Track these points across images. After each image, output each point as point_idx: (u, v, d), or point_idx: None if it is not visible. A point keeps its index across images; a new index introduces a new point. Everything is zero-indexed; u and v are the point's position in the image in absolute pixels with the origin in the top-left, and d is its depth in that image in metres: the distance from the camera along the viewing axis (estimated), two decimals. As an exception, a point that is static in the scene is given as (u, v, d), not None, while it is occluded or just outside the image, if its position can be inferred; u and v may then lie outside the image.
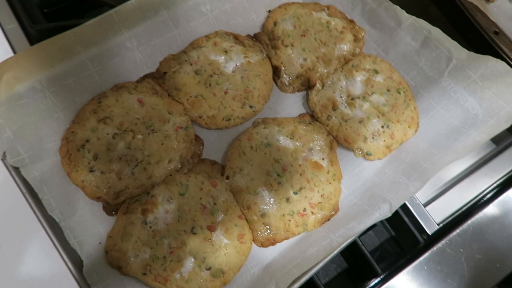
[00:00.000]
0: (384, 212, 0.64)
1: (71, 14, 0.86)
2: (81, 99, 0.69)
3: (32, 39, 0.76)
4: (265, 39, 0.79)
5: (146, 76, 0.73)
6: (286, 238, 0.65)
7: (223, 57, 0.74)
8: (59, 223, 0.61)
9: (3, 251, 0.62)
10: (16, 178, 0.61)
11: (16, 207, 0.63)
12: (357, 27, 0.81)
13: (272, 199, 0.66)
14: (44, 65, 0.65)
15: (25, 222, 0.63)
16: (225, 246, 0.62)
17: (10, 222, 0.63)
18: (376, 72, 0.76)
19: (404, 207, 0.72)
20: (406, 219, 0.71)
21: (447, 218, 0.74)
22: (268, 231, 0.65)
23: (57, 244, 0.59)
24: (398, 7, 0.79)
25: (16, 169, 0.62)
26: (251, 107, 0.73)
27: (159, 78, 0.73)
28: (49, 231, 0.60)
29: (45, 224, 0.60)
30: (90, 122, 0.66)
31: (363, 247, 0.68)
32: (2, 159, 0.62)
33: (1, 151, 0.61)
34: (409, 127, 0.74)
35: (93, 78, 0.69)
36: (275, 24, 0.80)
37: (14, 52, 0.75)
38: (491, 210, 0.73)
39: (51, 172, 0.64)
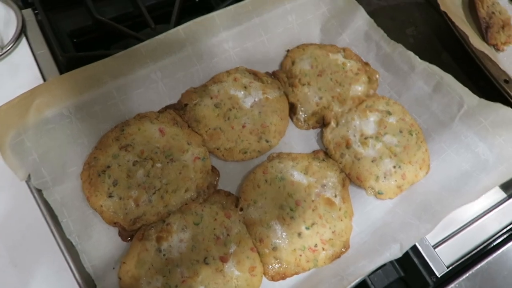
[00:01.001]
0: (394, 252, 0.64)
1: (98, 44, 0.91)
2: (105, 126, 0.71)
3: (61, 66, 0.80)
4: (283, 77, 0.82)
5: (168, 107, 0.76)
6: (297, 273, 0.66)
7: (242, 92, 0.78)
8: (76, 246, 0.62)
9: (18, 270, 0.64)
10: (38, 200, 0.64)
11: (35, 228, 0.65)
12: (371, 69, 0.84)
13: (284, 233, 0.67)
14: (73, 92, 0.69)
15: (43, 243, 0.64)
16: (236, 278, 0.63)
17: (28, 242, 0.65)
18: (389, 113, 0.79)
19: (413, 247, 0.73)
20: (415, 260, 0.71)
21: (457, 261, 0.74)
22: (279, 265, 0.65)
23: (73, 267, 0.61)
24: (412, 52, 0.82)
25: (39, 191, 0.64)
26: (267, 141, 0.75)
27: (180, 110, 0.76)
28: (66, 254, 0.61)
29: (62, 247, 0.61)
30: (112, 149, 0.69)
31: (372, 286, 0.69)
32: (26, 181, 0.64)
33: (27, 173, 0.64)
34: (420, 168, 0.75)
35: (118, 106, 0.72)
36: (293, 63, 0.84)
37: (44, 77, 0.79)
38: (500, 256, 0.73)
39: (72, 195, 0.66)
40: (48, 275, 0.63)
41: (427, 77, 0.80)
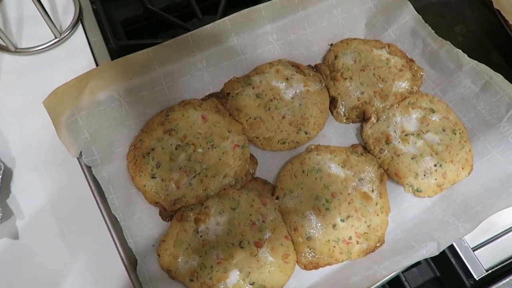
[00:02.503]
0: (431, 250, 0.63)
1: (147, 33, 0.95)
2: (151, 111, 0.75)
3: (113, 53, 0.84)
4: (325, 70, 0.83)
5: (210, 95, 0.78)
6: (329, 264, 0.66)
7: (283, 84, 0.79)
8: (120, 222, 0.66)
9: (66, 241, 0.68)
10: (88, 176, 0.68)
11: (84, 202, 0.69)
12: (416, 66, 0.83)
13: (319, 224, 0.67)
14: (123, 77, 0.72)
15: (90, 217, 0.68)
16: (270, 264, 0.64)
17: (77, 215, 0.69)
18: (433, 111, 0.77)
19: (451, 248, 0.71)
20: (453, 260, 0.70)
21: (496, 265, 0.72)
22: (312, 255, 0.66)
23: (116, 241, 0.64)
24: (460, 50, 0.80)
25: (88, 168, 0.68)
26: (306, 133, 0.76)
27: (223, 98, 0.78)
28: (111, 228, 0.65)
29: (107, 221, 0.65)
30: (157, 132, 0.72)
31: (406, 283, 0.68)
32: (78, 158, 0.68)
33: (79, 150, 0.68)
34: (462, 168, 0.74)
35: (164, 92, 0.75)
36: (336, 57, 0.84)
37: (96, 63, 0.84)
38: (544, 263, 0.71)
39: (118, 174, 0.69)
40: (93, 247, 0.67)
41: (475, 76, 0.78)
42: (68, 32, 0.87)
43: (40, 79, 0.82)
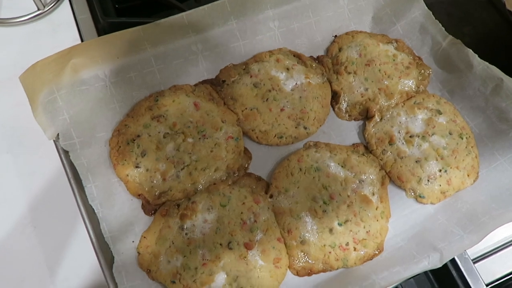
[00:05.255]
0: (434, 261, 0.59)
1: (140, 13, 0.88)
2: (138, 94, 0.69)
3: (101, 31, 0.78)
4: (328, 63, 0.77)
5: (205, 82, 0.72)
6: (324, 271, 0.61)
7: (284, 74, 0.73)
8: (97, 214, 0.60)
9: (37, 232, 0.62)
10: (65, 162, 0.61)
11: (59, 190, 0.63)
12: (424, 64, 0.78)
13: (314, 227, 0.62)
14: (110, 55, 0.66)
15: (64, 207, 0.62)
16: (260, 268, 0.59)
17: (50, 204, 0.63)
18: (439, 112, 0.73)
19: (451, 259, 0.67)
20: (453, 273, 0.66)
21: (497, 280, 0.68)
22: (306, 260, 0.61)
23: (92, 235, 0.58)
24: (470, 50, 0.76)
25: (66, 153, 0.62)
26: (305, 128, 0.71)
27: (218, 86, 0.72)
28: (86, 220, 0.58)
29: (83, 212, 0.59)
30: (144, 118, 0.66)
31: (403, 295, 0.64)
32: (54, 141, 0.62)
33: (56, 132, 0.61)
34: (468, 175, 0.69)
35: (154, 75, 0.69)
36: (340, 49, 0.78)
37: (82, 39, 0.77)
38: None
39: (98, 161, 0.63)
40: (66, 240, 0.62)
41: (485, 78, 0.74)
42: (52, 4, 0.80)
43: (19, 53, 0.76)
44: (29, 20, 0.78)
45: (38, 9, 0.78)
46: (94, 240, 0.58)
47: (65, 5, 0.82)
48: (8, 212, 0.64)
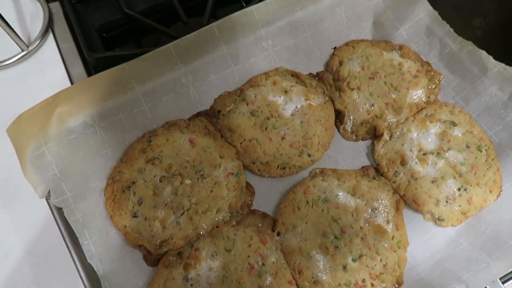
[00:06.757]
0: (459, 295, 0.55)
1: (128, 39, 0.85)
2: (130, 136, 0.65)
3: (88, 64, 0.75)
4: (328, 79, 0.72)
5: (199, 114, 0.68)
6: (340, 312, 0.58)
7: (282, 98, 0.69)
8: (97, 272, 0.57)
9: (41, 290, 0.60)
10: (58, 220, 0.59)
11: (58, 248, 0.60)
12: (433, 70, 0.73)
13: (327, 265, 0.58)
14: (97, 99, 0.63)
15: (64, 266, 0.60)
16: (272, 315, 0.56)
17: (51, 262, 0.61)
18: (454, 124, 0.68)
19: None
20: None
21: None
22: (320, 301, 0.58)
23: (93, 296, 0.56)
24: (484, 52, 0.70)
25: (59, 209, 0.59)
26: (309, 155, 0.66)
27: (213, 117, 0.68)
28: (85, 281, 0.56)
29: (82, 273, 0.56)
30: (138, 162, 0.63)
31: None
32: (46, 198, 0.59)
33: (46, 189, 0.59)
34: (490, 191, 0.64)
35: (145, 114, 0.66)
36: (340, 63, 0.73)
37: (69, 76, 0.74)
38: None
39: (94, 214, 0.60)
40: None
41: (502, 81, 0.68)
42: (36, 43, 0.76)
43: (6, 98, 0.73)
44: (15, 62, 0.75)
45: (22, 50, 0.75)
46: (96, 301, 0.55)
47: (50, 42, 0.78)
48: (10, 268, 0.61)
